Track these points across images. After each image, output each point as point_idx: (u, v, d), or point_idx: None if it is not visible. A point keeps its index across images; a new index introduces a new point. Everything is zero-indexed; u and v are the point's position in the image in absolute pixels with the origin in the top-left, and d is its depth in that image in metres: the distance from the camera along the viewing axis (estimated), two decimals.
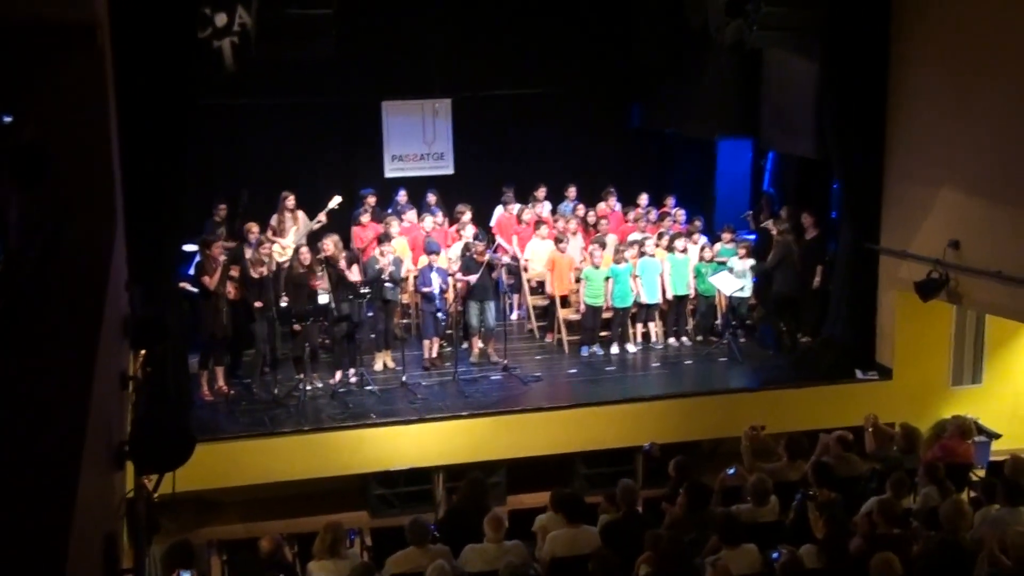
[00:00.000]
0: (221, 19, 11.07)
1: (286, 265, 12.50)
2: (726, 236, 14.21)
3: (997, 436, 12.26)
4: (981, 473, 9.89)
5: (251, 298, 11.99)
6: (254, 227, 12.74)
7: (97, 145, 7.61)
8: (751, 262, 13.66)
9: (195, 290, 11.77)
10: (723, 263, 13.77)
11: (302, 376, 11.96)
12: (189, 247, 12.30)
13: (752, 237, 14.55)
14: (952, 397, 12.67)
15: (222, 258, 11.82)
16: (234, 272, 11.96)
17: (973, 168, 11.10)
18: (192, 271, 11.91)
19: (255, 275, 11.97)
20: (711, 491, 8.64)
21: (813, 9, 11.98)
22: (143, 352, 8.09)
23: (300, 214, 13.70)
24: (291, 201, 13.65)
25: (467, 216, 14.12)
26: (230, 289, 11.93)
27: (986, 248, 10.91)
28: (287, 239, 13.38)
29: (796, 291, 13.54)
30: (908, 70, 12.02)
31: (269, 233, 13.29)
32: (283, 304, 11.90)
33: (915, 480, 9.08)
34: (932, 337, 12.61)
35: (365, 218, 14.12)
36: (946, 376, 12.73)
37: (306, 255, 12.09)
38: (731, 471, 9.31)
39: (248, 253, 12.30)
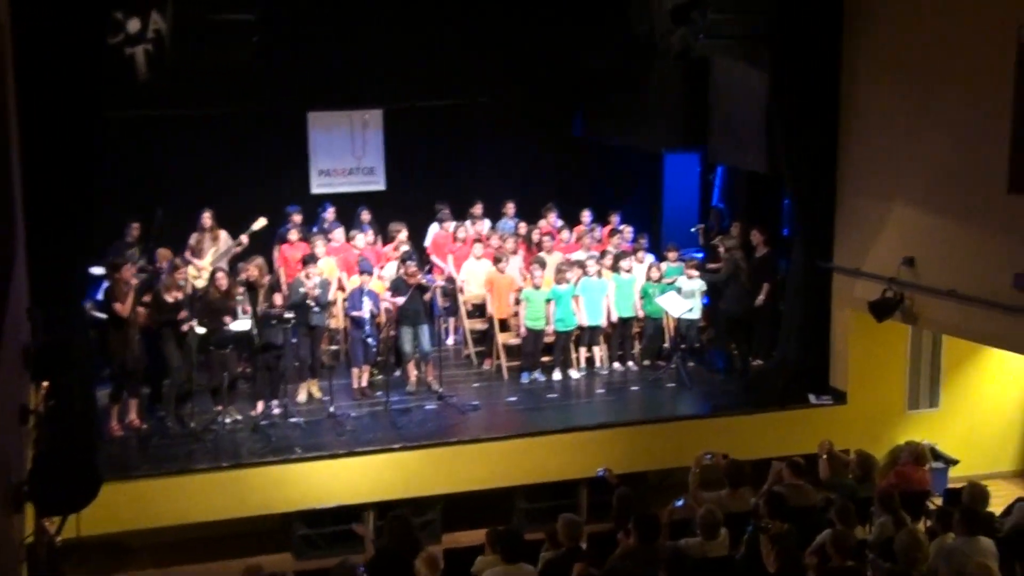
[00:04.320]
0: (134, 24, 11.02)
1: (202, 289, 12.39)
2: (672, 254, 14.35)
3: (954, 462, 12.51)
4: (938, 501, 10.04)
5: (165, 324, 11.83)
6: (167, 254, 12.62)
7: None
8: (700, 282, 13.79)
9: (104, 316, 11.61)
10: (671, 283, 13.88)
11: (220, 408, 11.84)
12: (97, 270, 12.13)
13: (700, 255, 14.70)
14: (908, 422, 12.89)
15: (134, 282, 11.68)
16: (146, 298, 11.81)
17: (927, 182, 11.32)
18: (101, 296, 11.74)
19: (169, 299, 11.83)
20: (660, 522, 8.68)
21: (761, 17, 12.18)
22: (46, 383, 7.97)
23: (221, 233, 13.62)
24: (209, 219, 13.55)
25: (403, 234, 14.11)
26: (142, 315, 11.77)
27: (941, 266, 11.13)
28: (205, 260, 13.27)
29: (746, 311, 13.70)
30: (860, 81, 12.24)
31: (187, 254, 13.16)
32: (200, 330, 11.78)
33: (871, 509, 9.22)
34: (887, 359, 12.82)
35: (293, 235, 14.06)
36: (902, 400, 12.94)
37: (223, 278, 11.99)
38: (679, 503, 9.36)
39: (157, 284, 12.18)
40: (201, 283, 12.83)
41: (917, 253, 11.44)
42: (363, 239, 14.16)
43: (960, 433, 12.89)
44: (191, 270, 12.98)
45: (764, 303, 13.63)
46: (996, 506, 9.43)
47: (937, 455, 12.43)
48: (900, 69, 11.61)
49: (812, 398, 12.76)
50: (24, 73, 9.04)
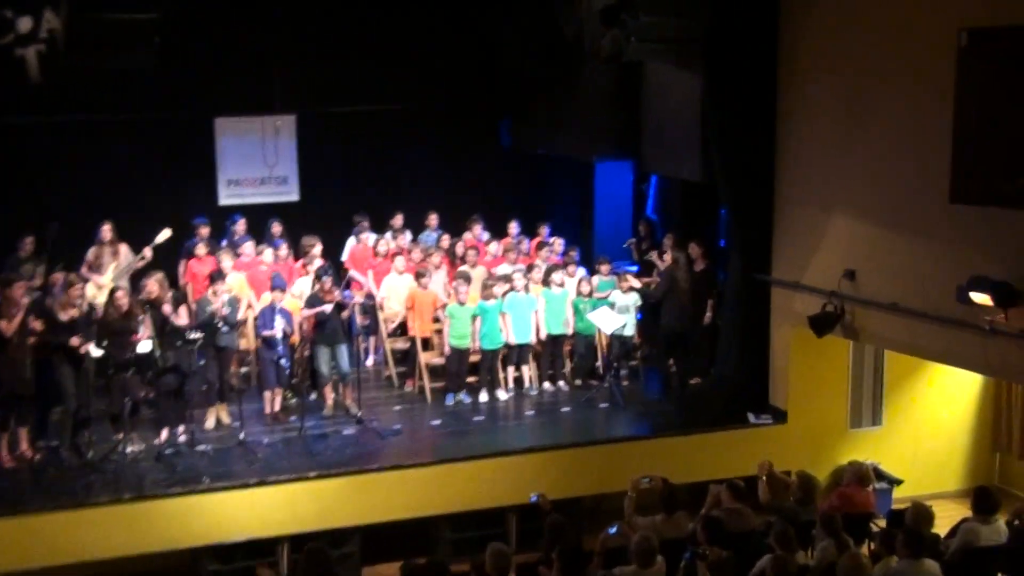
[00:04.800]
0: (25, 24, 10.85)
1: (101, 308, 12.20)
2: (604, 268, 14.43)
3: (899, 482, 12.71)
4: (882, 523, 10.17)
5: (59, 346, 11.61)
6: (58, 276, 12.40)
7: None
8: (634, 297, 13.88)
9: None
10: (604, 298, 13.95)
11: (121, 436, 11.66)
12: None
13: (634, 268, 14.79)
14: (851, 441, 13.08)
15: (24, 300, 11.45)
16: (35, 324, 11.56)
17: (867, 192, 11.51)
18: None
19: (64, 318, 11.61)
20: (588, 554, 8.68)
21: (695, 20, 12.27)
22: None
23: (122, 248, 13.45)
24: (109, 232, 13.37)
25: (317, 249, 14.02)
26: (33, 336, 11.54)
27: (883, 278, 11.31)
28: (105, 276, 13.07)
29: (685, 327, 13.80)
30: (797, 86, 12.42)
31: (84, 269, 12.94)
32: (98, 353, 11.58)
33: (812, 533, 9.32)
34: (828, 376, 13.01)
35: (201, 249, 13.93)
36: (844, 418, 13.11)
37: (123, 297, 11.82)
38: (612, 530, 9.38)
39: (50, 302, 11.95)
40: (101, 301, 12.61)
41: (858, 265, 11.62)
42: (272, 254, 14.05)
43: (904, 452, 13.11)
44: (90, 287, 12.76)
45: (710, 320, 13.77)
46: (941, 527, 9.58)
47: (881, 475, 12.61)
48: (838, 75, 11.79)
49: (751, 417, 12.86)
50: None
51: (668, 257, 14.03)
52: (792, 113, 12.52)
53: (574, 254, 14.72)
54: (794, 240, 12.63)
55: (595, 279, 14.30)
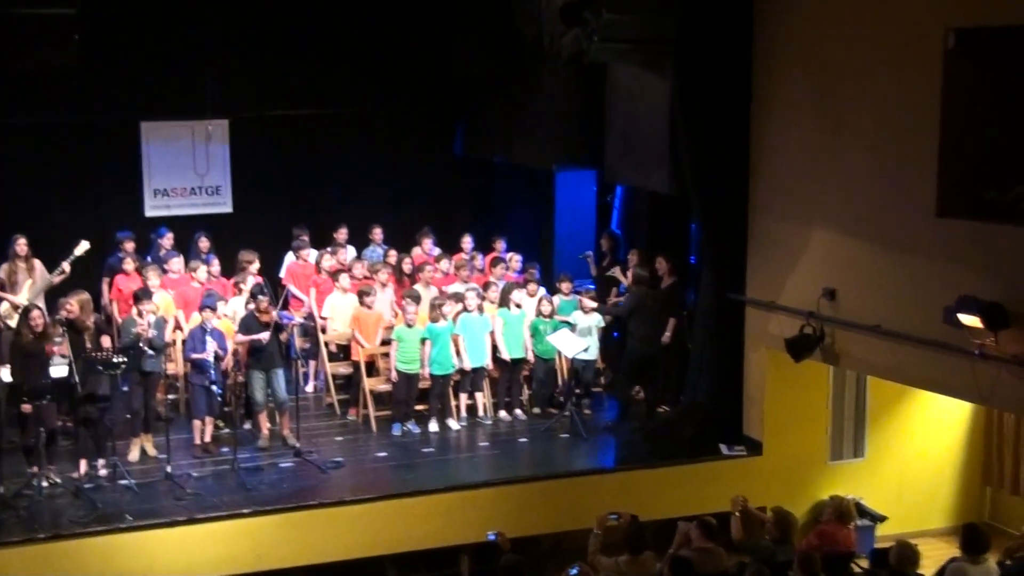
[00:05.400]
0: None
1: (13, 330, 12.07)
2: (565, 286, 14.46)
3: (882, 519, 12.78)
4: (864, 563, 10.22)
5: None
6: None
7: None
8: (596, 318, 13.91)
9: None
10: (566, 320, 13.96)
11: (35, 470, 11.52)
12: None
13: (591, 286, 14.79)
14: (831, 474, 13.13)
15: None
16: None
17: (848, 206, 11.60)
18: None
19: None
20: None
21: (663, 18, 12.32)
22: None
23: (36, 264, 13.30)
24: (23, 246, 13.23)
25: (254, 266, 13.97)
26: None
27: (865, 298, 11.39)
28: (20, 296, 12.93)
29: (654, 350, 13.83)
30: (774, 92, 12.51)
31: None
32: (8, 378, 11.43)
33: (789, 574, 9.34)
34: (807, 404, 13.06)
35: (129, 265, 13.85)
36: (824, 450, 13.17)
37: (38, 317, 11.69)
38: (574, 571, 9.34)
39: None
40: (13, 322, 12.45)
41: (838, 284, 11.69)
42: (204, 271, 13.96)
43: (888, 486, 13.19)
44: (3, 307, 12.60)
45: (670, 340, 13.81)
46: (927, 567, 9.62)
47: (863, 511, 12.68)
48: (818, 78, 11.89)
49: (724, 449, 12.91)
50: None
51: (629, 276, 14.06)
52: (768, 120, 12.61)
53: (534, 271, 14.75)
54: (770, 257, 12.70)
55: (556, 298, 14.32)
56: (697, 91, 12.66)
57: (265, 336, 12.55)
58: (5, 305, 12.79)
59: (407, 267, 14.82)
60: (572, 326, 13.84)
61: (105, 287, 14.19)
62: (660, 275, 13.96)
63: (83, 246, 13.30)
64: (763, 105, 12.67)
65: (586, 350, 13.72)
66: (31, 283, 13.21)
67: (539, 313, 14.07)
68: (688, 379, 13.61)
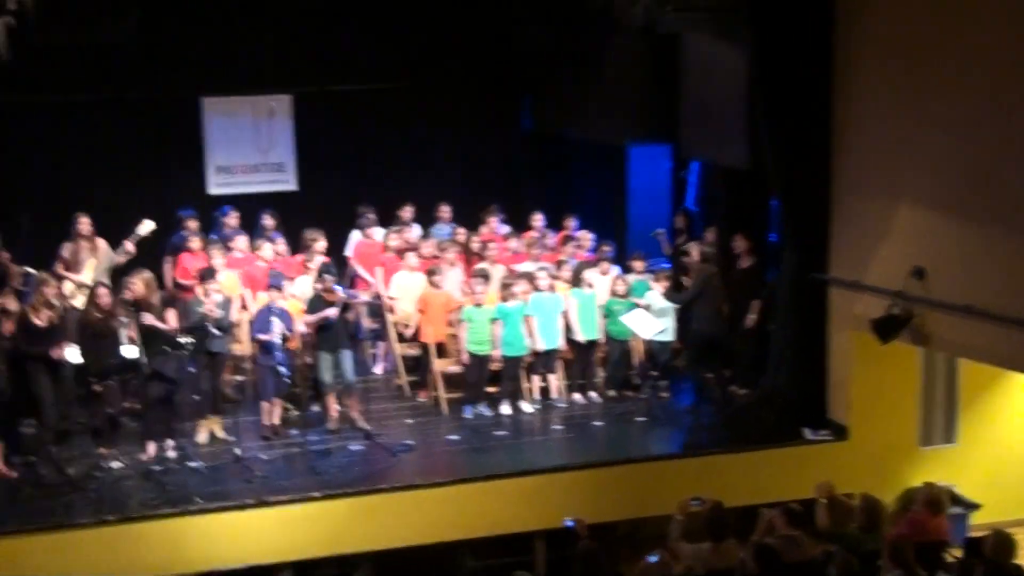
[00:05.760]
0: None
1: (79, 309, 12.28)
2: (638, 265, 14.47)
3: (976, 507, 12.66)
4: (958, 553, 10.17)
5: (34, 353, 11.70)
6: (16, 273, 12.46)
7: None
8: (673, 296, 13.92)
9: None
10: (643, 303, 13.98)
11: (104, 451, 11.73)
12: None
13: (666, 264, 14.78)
14: (921, 460, 13.04)
15: None
16: (8, 324, 11.65)
17: (938, 180, 11.47)
18: None
19: (40, 322, 11.70)
20: None
21: None
22: None
23: (100, 243, 13.50)
24: (86, 225, 13.44)
25: (320, 244, 14.09)
26: (6, 339, 11.63)
27: (956, 277, 11.26)
28: (84, 274, 13.14)
29: (718, 331, 13.82)
30: (858, 61, 12.40)
31: (59, 267, 13.01)
32: (77, 358, 11.66)
33: (878, 563, 9.33)
34: (895, 387, 12.96)
35: (195, 243, 13.99)
36: (913, 435, 13.09)
37: (105, 296, 11.89)
38: (653, 558, 9.40)
39: (10, 303, 12.01)
40: (79, 302, 12.68)
41: (928, 263, 11.59)
42: (271, 249, 14.11)
43: (982, 473, 13.03)
44: (67, 287, 12.82)
45: (755, 323, 13.80)
46: None
47: (956, 499, 12.56)
48: (906, 47, 11.75)
49: (807, 433, 12.88)
50: None
51: (695, 254, 14.05)
52: (851, 91, 12.50)
53: (607, 250, 14.72)
54: (855, 234, 12.61)
55: (630, 277, 14.34)
56: (776, 61, 12.55)
57: (334, 312, 12.66)
58: (69, 285, 13.01)
59: (475, 245, 14.90)
60: (647, 306, 13.84)
61: (168, 266, 14.36)
62: (738, 254, 13.94)
63: (147, 225, 13.48)
64: (846, 76, 12.55)
65: (662, 331, 13.71)
66: (94, 263, 13.42)
67: (613, 293, 14.06)
68: (769, 362, 13.54)
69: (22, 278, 12.37)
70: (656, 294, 13.93)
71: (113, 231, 13.71)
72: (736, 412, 13.59)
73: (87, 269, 13.23)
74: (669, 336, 13.97)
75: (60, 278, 12.82)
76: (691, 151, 15.20)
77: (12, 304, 11.94)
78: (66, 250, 13.40)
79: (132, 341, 11.77)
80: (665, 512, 10.11)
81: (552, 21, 15.13)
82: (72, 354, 11.67)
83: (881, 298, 11.97)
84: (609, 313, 14.02)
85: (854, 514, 10.29)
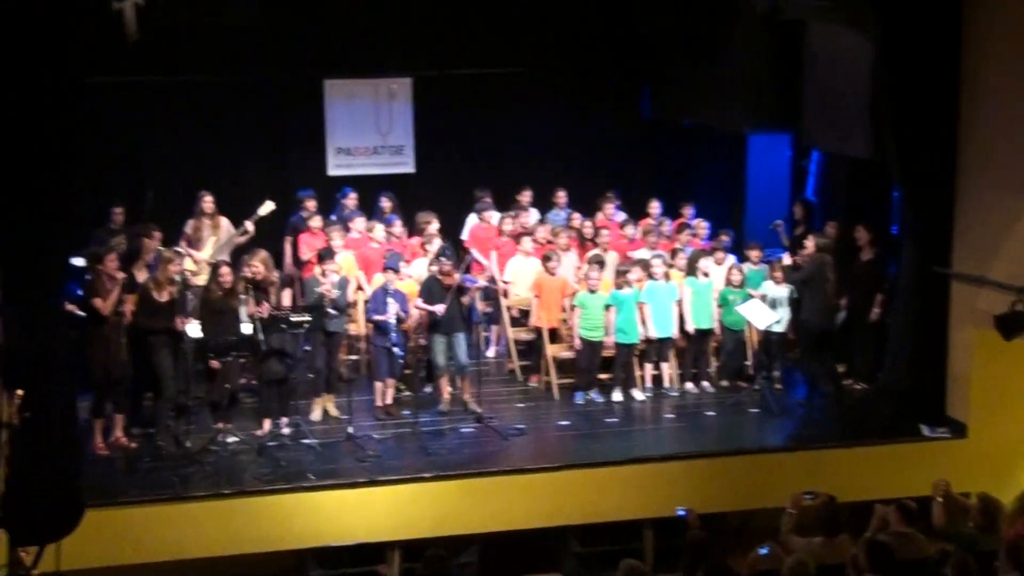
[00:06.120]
0: None
1: (200, 285, 12.49)
2: (754, 255, 14.36)
3: None
4: None
5: (155, 328, 11.93)
6: (152, 243, 12.69)
7: None
8: (789, 288, 13.76)
9: (84, 315, 11.75)
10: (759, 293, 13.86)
11: (221, 426, 11.94)
12: (79, 261, 12.26)
13: (784, 255, 14.63)
14: None
15: (119, 275, 11.78)
16: (129, 302, 11.89)
17: None
18: (81, 291, 11.86)
19: (161, 298, 11.91)
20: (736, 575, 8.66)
21: None
22: (20, 393, 8.08)
23: (222, 221, 13.73)
24: (210, 203, 13.67)
25: (434, 226, 14.16)
26: (128, 315, 11.87)
27: None
28: (204, 252, 13.37)
29: (827, 323, 13.68)
30: (986, 49, 12.15)
31: (183, 244, 13.24)
32: (197, 332, 11.85)
33: (995, 564, 9.14)
34: (1018, 386, 12.64)
35: (315, 222, 14.15)
36: None
37: (227, 274, 12.07)
38: (764, 550, 9.31)
39: (141, 276, 12.25)
40: (200, 279, 12.90)
41: None
42: (384, 231, 14.22)
43: None
44: (188, 263, 13.05)
45: (878, 317, 13.66)
46: None
47: None
48: None
49: (925, 430, 12.69)
50: None
51: (810, 246, 13.86)
52: (980, 80, 12.25)
53: (725, 239, 14.61)
54: (979, 228, 12.39)
55: (745, 267, 14.20)
56: (902, 50, 12.35)
57: (440, 308, 12.70)
58: (189, 262, 13.24)
59: (587, 231, 14.86)
60: (763, 296, 13.71)
61: (287, 246, 14.56)
62: (860, 246, 13.74)
63: (268, 206, 13.69)
64: (974, 65, 12.30)
65: (777, 322, 13.58)
66: (215, 240, 13.66)
67: (728, 282, 13.96)
68: (887, 357, 13.34)
69: (154, 255, 12.59)
70: (772, 284, 13.77)
71: (234, 210, 13.95)
72: (852, 406, 13.42)
73: (207, 246, 13.47)
74: (784, 327, 13.81)
75: (182, 255, 13.03)
76: (812, 140, 15.01)
77: (141, 277, 12.23)
78: (189, 227, 13.67)
79: (251, 319, 11.94)
80: (776, 505, 9.98)
81: (674, 6, 15.00)
82: (192, 329, 11.89)
83: (1006, 294, 11.68)
84: (724, 303, 13.93)
85: (971, 513, 10.08)
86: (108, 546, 10.20)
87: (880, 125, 12.84)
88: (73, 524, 6.21)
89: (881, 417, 12.88)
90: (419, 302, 12.94)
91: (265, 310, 12.09)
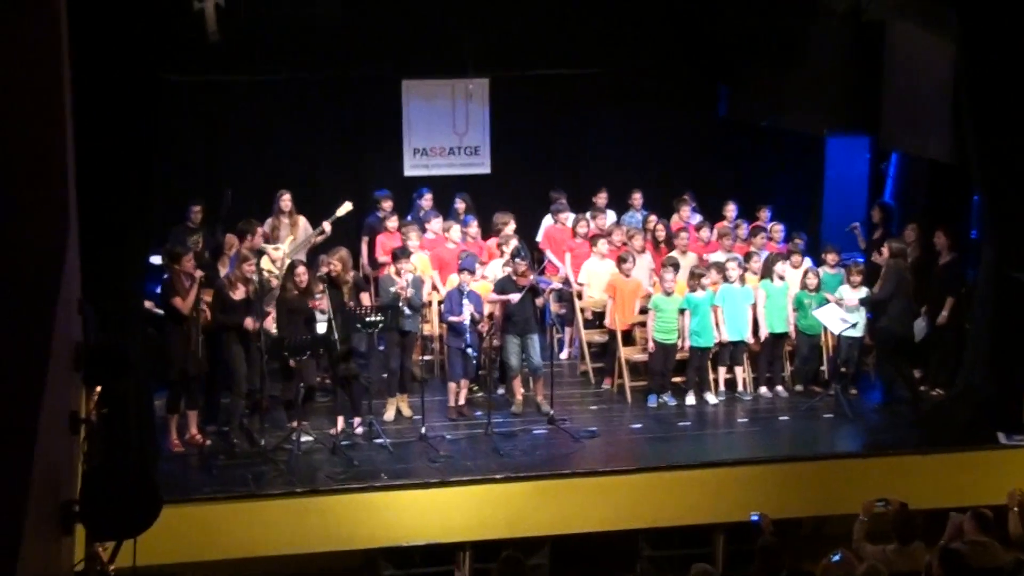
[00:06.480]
0: None
1: (277, 284, 12.61)
2: (831, 258, 14.22)
3: None
4: None
5: (231, 325, 12.06)
6: (235, 241, 12.82)
7: (48, 129, 7.73)
8: (865, 292, 13.62)
9: (161, 312, 11.90)
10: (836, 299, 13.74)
11: (295, 425, 12.03)
12: (157, 259, 12.43)
13: (862, 260, 14.48)
14: None
15: (197, 273, 11.91)
16: (206, 296, 12.03)
17: None
18: (160, 289, 12.03)
19: (237, 296, 12.01)
20: None
21: None
22: (98, 389, 8.18)
23: (300, 220, 13.85)
24: (288, 202, 13.80)
25: (510, 227, 14.18)
26: (206, 313, 12.01)
27: None
28: (279, 250, 13.49)
29: (909, 329, 13.55)
30: None
31: (260, 240, 13.39)
32: (271, 331, 11.95)
33: None
34: None
35: (392, 222, 14.24)
36: None
37: (303, 274, 12.17)
38: (836, 557, 9.23)
39: (223, 270, 12.40)
40: (274, 275, 13.03)
41: None
42: (459, 231, 14.27)
43: None
44: (265, 262, 13.18)
45: (947, 320, 13.47)
46: None
47: None
48: None
49: (1002, 437, 12.50)
50: (79, 32, 9.23)
51: (885, 251, 13.70)
52: None
53: (800, 242, 14.49)
54: None
55: (821, 271, 14.08)
56: (985, 52, 12.23)
57: (515, 297, 12.72)
58: (266, 260, 13.36)
59: (660, 234, 14.80)
60: (839, 300, 13.57)
61: (364, 246, 14.65)
62: (938, 250, 13.57)
63: (346, 207, 13.80)
64: None
65: (854, 326, 13.43)
66: (292, 239, 13.78)
67: (804, 286, 13.84)
68: (964, 362, 13.17)
69: (232, 252, 12.74)
70: (848, 289, 13.64)
71: (311, 209, 14.06)
72: (928, 412, 13.28)
73: (284, 245, 13.58)
74: (860, 332, 13.66)
75: (258, 253, 13.15)
76: (892, 142, 14.85)
77: (223, 271, 12.39)
78: (268, 224, 13.79)
79: (326, 317, 12.02)
80: (849, 511, 9.90)
81: (753, 6, 14.89)
82: (268, 327, 11.98)
83: None
84: (799, 306, 13.80)
85: None
86: (182, 542, 10.32)
87: (961, 128, 12.72)
88: (150, 520, 6.27)
89: (958, 424, 12.73)
90: (492, 295, 12.97)
91: (365, 299, 12.23)
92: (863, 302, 13.59)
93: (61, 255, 7.19)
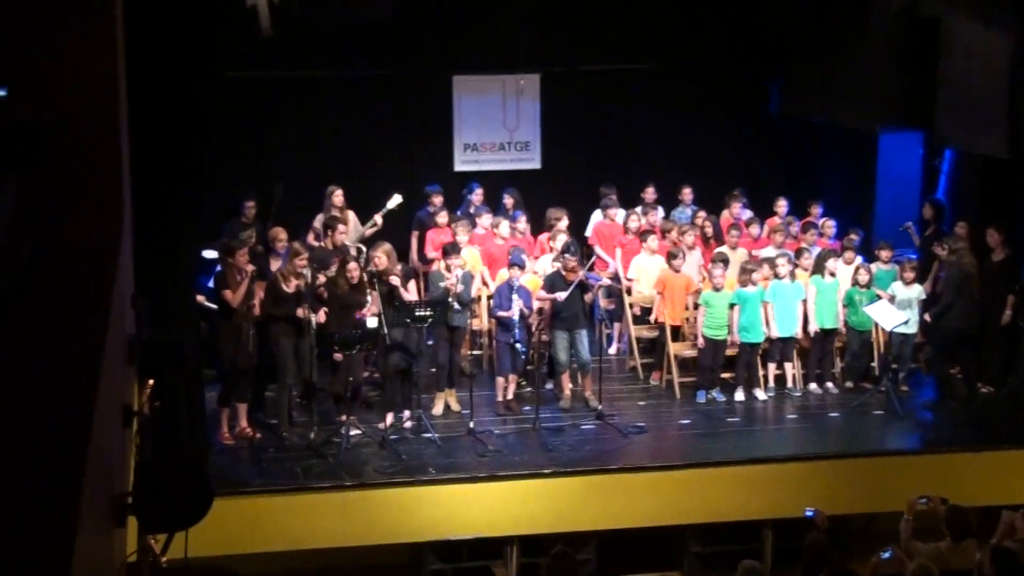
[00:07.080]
0: None
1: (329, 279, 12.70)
2: (884, 254, 14.14)
3: None
4: None
5: (282, 318, 12.11)
6: (281, 234, 12.90)
7: (104, 125, 7.84)
8: (917, 289, 13.53)
9: (214, 307, 12.02)
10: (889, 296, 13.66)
11: (344, 418, 12.08)
12: (210, 253, 12.53)
13: (915, 256, 14.38)
14: None
15: (249, 268, 12.00)
16: (259, 290, 12.12)
17: None
18: (212, 283, 12.13)
19: (288, 289, 12.07)
20: None
21: None
22: (151, 382, 8.28)
23: (350, 215, 13.91)
24: (339, 198, 13.87)
25: (563, 223, 14.17)
26: (257, 307, 12.12)
27: None
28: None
29: (975, 327, 13.41)
30: None
31: (310, 237, 13.46)
32: (321, 322, 12.04)
33: None
34: None
35: (442, 218, 14.30)
36: None
37: (354, 269, 12.25)
38: (886, 554, 9.20)
39: (275, 264, 12.50)
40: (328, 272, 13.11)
41: None
42: (508, 227, 14.29)
43: None
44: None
45: (1010, 319, 13.43)
46: None
47: None
48: None
49: None
50: (135, 30, 9.33)
51: (939, 250, 13.61)
52: None
53: (855, 238, 14.40)
54: None
55: (874, 267, 13.99)
56: None
57: (561, 296, 12.72)
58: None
59: (708, 229, 14.77)
60: (891, 297, 13.50)
61: (414, 240, 14.71)
62: (991, 247, 13.47)
63: (395, 199, 13.86)
64: None
65: (905, 323, 13.34)
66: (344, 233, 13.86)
67: (855, 282, 13.75)
68: (1017, 360, 13.10)
69: (284, 246, 12.81)
70: (901, 285, 13.55)
71: (362, 204, 14.13)
72: (981, 410, 13.21)
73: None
74: (912, 329, 13.58)
75: (311, 248, 13.22)
76: (946, 139, 14.68)
77: (274, 265, 12.48)
78: (317, 221, 13.87)
79: (375, 312, 12.09)
80: (899, 508, 9.84)
81: (804, 1, 14.81)
82: (316, 319, 12.04)
83: None
84: (850, 303, 13.72)
85: None
86: (232, 534, 10.42)
87: (1018, 124, 12.63)
88: (202, 512, 6.35)
89: (1009, 421, 12.69)
90: (541, 293, 12.98)
91: (411, 290, 12.32)
92: (923, 302, 13.51)
93: (115, 250, 7.28)
